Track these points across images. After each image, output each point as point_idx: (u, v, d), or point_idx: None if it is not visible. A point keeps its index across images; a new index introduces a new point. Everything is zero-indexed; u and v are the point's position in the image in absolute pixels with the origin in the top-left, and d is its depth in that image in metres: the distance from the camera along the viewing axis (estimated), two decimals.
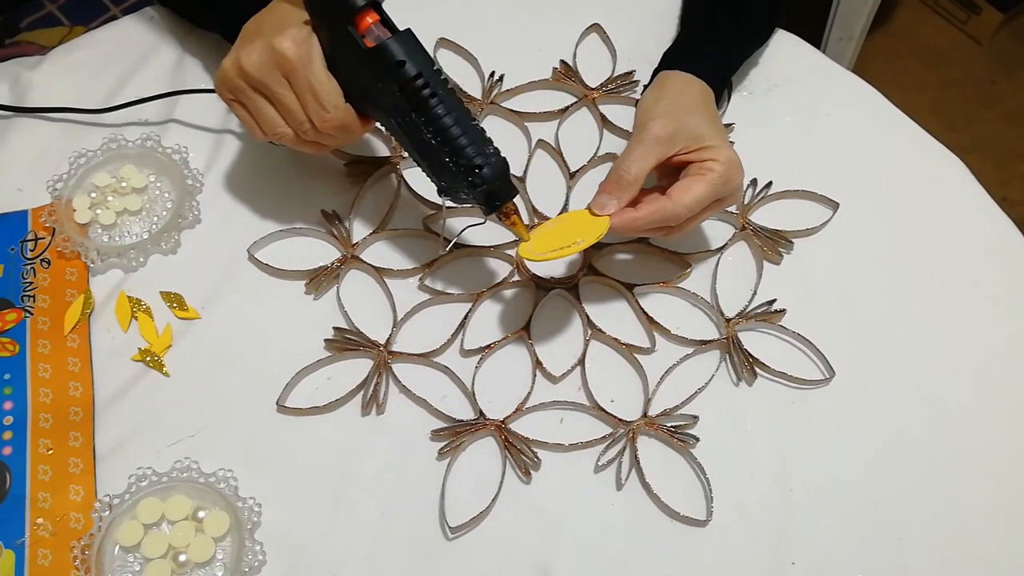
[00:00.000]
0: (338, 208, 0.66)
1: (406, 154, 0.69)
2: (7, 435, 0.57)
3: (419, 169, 0.69)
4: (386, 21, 0.51)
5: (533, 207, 0.67)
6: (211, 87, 0.69)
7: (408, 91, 0.50)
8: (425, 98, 0.51)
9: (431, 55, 0.51)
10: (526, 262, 0.64)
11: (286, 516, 0.56)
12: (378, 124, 0.57)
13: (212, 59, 0.74)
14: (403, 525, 0.56)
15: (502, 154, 0.53)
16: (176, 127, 0.71)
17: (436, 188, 0.55)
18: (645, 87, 0.64)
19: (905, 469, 0.58)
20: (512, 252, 0.65)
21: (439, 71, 0.51)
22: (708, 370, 0.61)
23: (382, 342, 0.61)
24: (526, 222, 0.66)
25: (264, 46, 0.53)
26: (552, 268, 0.65)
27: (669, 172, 0.59)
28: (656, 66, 0.65)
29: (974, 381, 0.61)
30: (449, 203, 0.56)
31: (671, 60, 0.64)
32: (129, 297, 0.63)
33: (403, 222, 0.67)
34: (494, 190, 0.53)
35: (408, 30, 0.51)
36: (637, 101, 0.64)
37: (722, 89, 0.66)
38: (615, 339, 0.61)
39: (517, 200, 0.67)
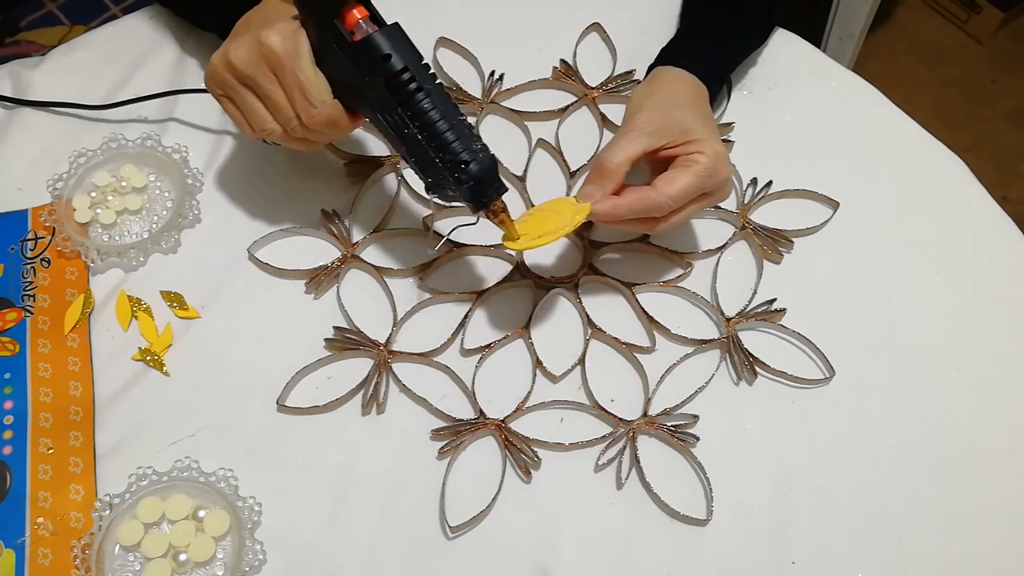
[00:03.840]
0: (338, 208, 0.66)
1: None
2: (7, 434, 0.57)
3: None
4: (374, 16, 0.51)
5: (532, 206, 0.67)
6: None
7: (394, 85, 0.50)
8: (411, 92, 0.50)
9: (419, 50, 0.51)
10: (514, 251, 0.63)
11: (286, 515, 0.56)
12: (367, 120, 0.56)
13: (210, 54, 0.74)
14: (403, 525, 0.56)
15: (491, 151, 0.53)
16: (176, 126, 0.71)
17: (424, 186, 0.55)
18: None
19: (905, 469, 0.58)
20: (513, 252, 0.65)
21: (427, 66, 0.51)
22: (708, 369, 0.61)
23: (382, 342, 0.61)
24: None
25: (251, 40, 0.52)
26: (552, 267, 0.65)
27: (659, 168, 0.58)
28: (651, 63, 0.65)
29: (974, 380, 0.61)
30: (437, 200, 0.56)
31: (666, 57, 0.65)
32: (129, 296, 0.63)
33: (403, 222, 0.67)
34: (481, 187, 0.52)
35: (396, 24, 0.51)
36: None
37: (719, 88, 0.66)
38: (615, 338, 0.61)
39: (517, 198, 0.68)
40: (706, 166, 0.56)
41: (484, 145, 0.52)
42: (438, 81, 0.51)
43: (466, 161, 0.51)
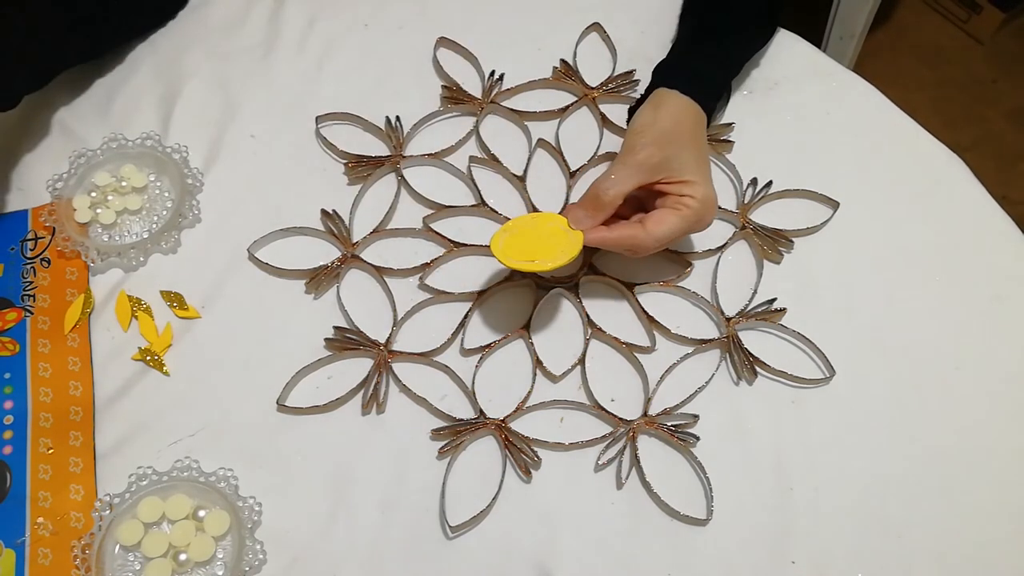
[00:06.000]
0: (338, 207, 0.66)
1: (407, 153, 0.69)
2: (7, 434, 0.57)
3: (420, 168, 0.69)
4: None
5: (533, 206, 0.67)
6: (204, 79, 0.69)
7: None
8: None
9: None
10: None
11: (286, 515, 0.56)
12: None
13: (209, 54, 0.74)
14: (403, 524, 0.56)
15: None
16: (176, 126, 0.70)
17: None
18: (642, 97, 0.63)
19: (905, 468, 0.58)
20: None
21: None
22: (708, 369, 0.61)
23: (382, 341, 0.61)
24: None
25: None
26: None
27: (645, 194, 0.60)
28: (652, 75, 0.65)
29: (974, 380, 0.61)
30: None
31: (668, 74, 0.64)
32: (129, 296, 0.63)
33: (403, 222, 0.67)
34: None
35: None
36: (630, 108, 0.64)
37: (718, 99, 0.66)
38: (615, 338, 0.61)
39: (517, 198, 0.68)
40: (695, 211, 0.57)
41: None
42: None
43: None
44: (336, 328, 0.61)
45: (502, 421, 0.58)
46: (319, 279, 0.63)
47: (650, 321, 0.62)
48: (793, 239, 0.66)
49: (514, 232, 0.58)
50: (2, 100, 0.63)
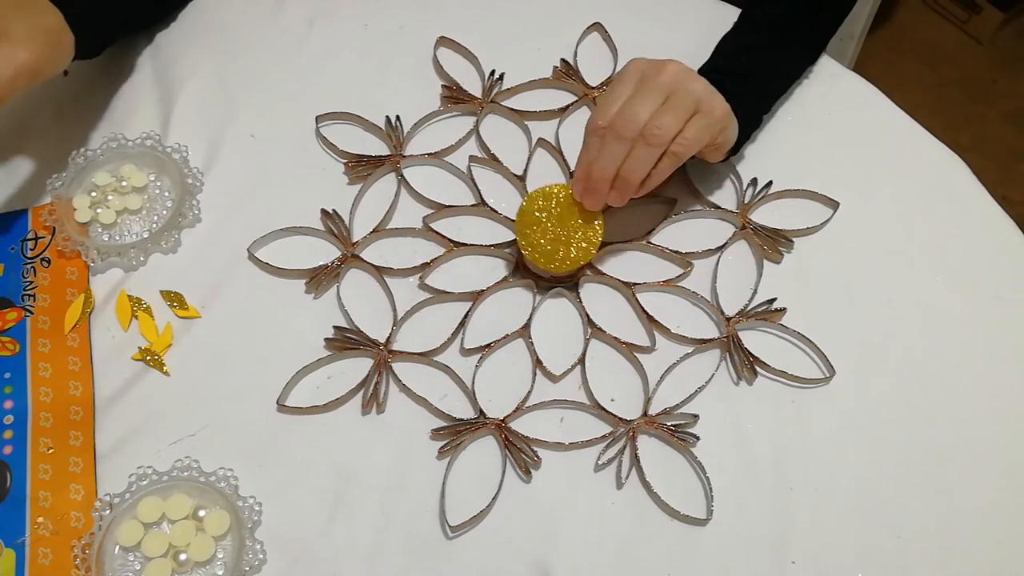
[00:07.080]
0: (338, 207, 0.66)
1: (407, 152, 0.69)
2: (7, 434, 0.57)
3: (420, 168, 0.69)
4: None
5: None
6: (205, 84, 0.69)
7: None
8: None
9: None
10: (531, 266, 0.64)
11: (286, 515, 0.56)
12: None
13: (209, 54, 0.74)
14: (403, 524, 0.56)
15: None
16: (176, 126, 0.70)
17: None
18: None
19: (905, 469, 0.58)
20: (511, 251, 0.65)
21: None
22: (708, 369, 0.61)
23: (382, 341, 0.61)
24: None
25: None
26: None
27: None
28: None
29: (974, 380, 0.61)
30: None
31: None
32: (129, 296, 0.63)
33: (403, 221, 0.67)
34: None
35: None
36: None
37: (753, 128, 0.65)
38: (615, 338, 0.61)
39: (517, 198, 0.68)
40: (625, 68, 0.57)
41: None
42: None
43: None
44: (336, 328, 0.61)
45: (502, 421, 0.58)
46: (319, 279, 0.63)
47: (650, 321, 0.62)
48: (793, 239, 0.66)
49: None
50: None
